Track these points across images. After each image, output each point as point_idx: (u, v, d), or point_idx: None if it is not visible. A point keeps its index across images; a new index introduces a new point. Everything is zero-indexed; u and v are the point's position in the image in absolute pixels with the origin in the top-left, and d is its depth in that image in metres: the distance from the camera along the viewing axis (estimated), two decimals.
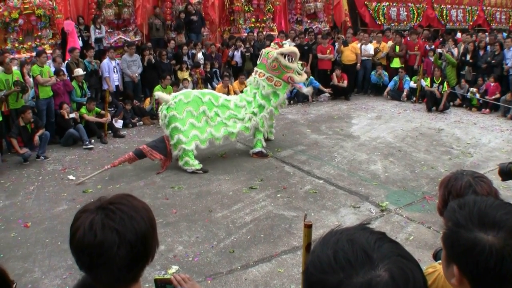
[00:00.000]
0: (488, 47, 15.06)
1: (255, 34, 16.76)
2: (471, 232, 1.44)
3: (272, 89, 9.61)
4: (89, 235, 1.50)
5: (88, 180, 8.53)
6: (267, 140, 10.19)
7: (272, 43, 10.30)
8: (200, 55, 15.22)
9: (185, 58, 14.77)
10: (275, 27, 18.19)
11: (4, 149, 10.32)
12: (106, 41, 14.41)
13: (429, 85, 14.42)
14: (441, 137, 11.20)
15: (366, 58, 16.33)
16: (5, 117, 10.25)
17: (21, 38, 12.68)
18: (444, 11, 23.57)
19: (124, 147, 10.72)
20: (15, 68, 10.59)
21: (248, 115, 9.56)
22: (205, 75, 14.87)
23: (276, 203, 7.45)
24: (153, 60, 13.79)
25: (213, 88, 13.50)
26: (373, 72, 16.35)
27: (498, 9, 26.40)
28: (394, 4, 21.88)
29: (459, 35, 19.11)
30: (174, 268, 5.57)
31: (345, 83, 15.53)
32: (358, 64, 16.19)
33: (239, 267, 5.63)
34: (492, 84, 13.89)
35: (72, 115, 11.07)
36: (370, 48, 16.42)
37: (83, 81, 12.08)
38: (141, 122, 12.84)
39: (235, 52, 15.80)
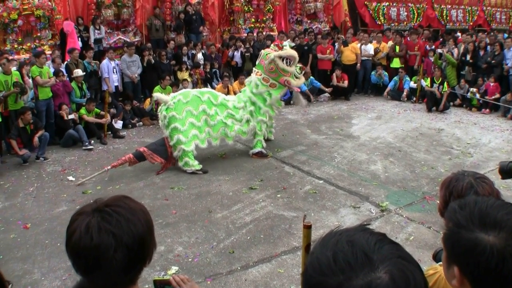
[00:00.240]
0: (488, 47, 15.06)
1: (255, 34, 16.77)
2: (472, 232, 1.43)
3: (266, 89, 9.59)
4: (85, 238, 1.49)
5: (88, 181, 8.52)
6: (267, 140, 10.17)
7: (272, 45, 10.28)
8: (200, 56, 15.21)
9: (185, 59, 14.76)
10: (275, 27, 18.19)
11: (3, 150, 10.29)
12: (106, 41, 14.41)
13: (429, 85, 14.41)
14: (441, 137, 11.19)
15: (366, 58, 16.33)
16: (4, 118, 10.24)
17: (20, 39, 12.68)
18: (444, 11, 23.56)
19: (124, 148, 10.70)
20: (14, 69, 10.57)
21: (246, 116, 9.54)
22: (205, 75, 14.85)
23: (276, 204, 7.43)
24: (153, 61, 13.78)
25: (213, 89, 13.49)
26: (373, 72, 16.34)
27: (498, 9, 26.38)
28: (394, 4, 21.87)
29: (459, 35, 19.10)
30: (174, 269, 5.56)
31: (345, 83, 15.52)
32: (358, 64, 16.19)
33: (239, 268, 5.62)
34: (492, 84, 13.89)
35: (71, 116, 11.05)
36: (370, 48, 16.41)
37: (83, 82, 12.07)
38: (141, 123, 12.83)
39: (235, 53, 15.80)
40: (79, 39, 13.49)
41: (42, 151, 9.89)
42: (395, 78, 15.81)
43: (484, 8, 25.50)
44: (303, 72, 10.68)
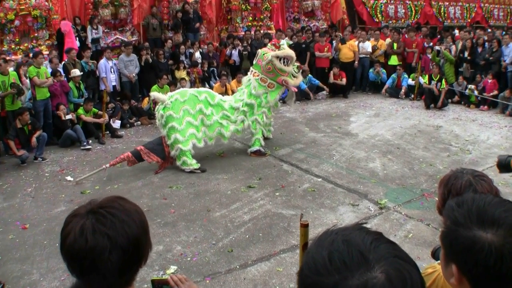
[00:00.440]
0: (486, 44, 15.05)
1: (253, 32, 16.78)
2: (470, 230, 1.42)
3: (264, 90, 9.58)
4: (80, 241, 1.48)
5: (86, 181, 8.51)
6: (265, 138, 10.17)
7: (269, 44, 10.26)
8: (197, 54, 15.19)
9: (183, 58, 14.74)
10: (273, 26, 18.18)
11: (1, 151, 10.29)
12: (103, 41, 14.40)
13: (427, 82, 14.42)
14: (440, 134, 11.19)
15: (364, 55, 16.34)
16: (1, 119, 10.23)
17: (17, 40, 12.67)
18: (442, 8, 23.56)
19: (122, 147, 10.69)
20: (11, 70, 10.55)
21: (240, 117, 9.53)
22: (203, 74, 14.84)
23: (274, 202, 7.43)
24: (150, 60, 13.78)
25: (211, 87, 13.49)
26: (371, 70, 16.34)
27: (496, 5, 26.38)
28: (392, 2, 21.88)
29: (456, 32, 19.11)
30: (172, 268, 5.55)
31: (343, 81, 15.52)
32: (356, 62, 16.19)
33: (237, 267, 5.61)
34: (490, 81, 13.90)
35: (68, 116, 11.04)
36: (368, 46, 16.42)
37: (80, 81, 12.04)
38: (139, 122, 12.82)
39: (233, 51, 15.79)
40: (77, 38, 13.48)
41: (40, 151, 9.89)
42: (393, 75, 15.82)
43: (482, 5, 25.50)
44: (301, 70, 10.67)
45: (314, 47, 15.88)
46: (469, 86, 14.40)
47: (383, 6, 21.48)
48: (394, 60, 16.36)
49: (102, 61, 13.03)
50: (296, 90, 10.27)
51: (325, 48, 15.82)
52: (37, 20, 12.80)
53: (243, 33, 16.84)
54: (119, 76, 13.49)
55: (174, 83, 13.10)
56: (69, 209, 7.17)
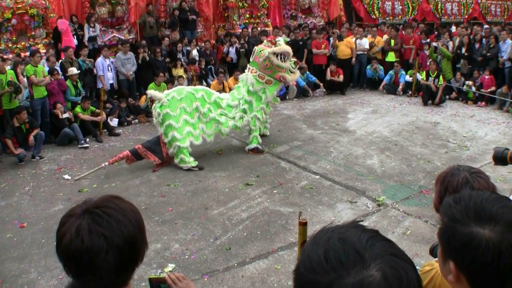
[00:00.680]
0: (484, 40, 15.05)
1: (250, 30, 16.75)
2: (468, 226, 1.41)
3: (262, 86, 9.58)
4: (76, 241, 1.47)
5: (84, 179, 8.51)
6: (262, 136, 10.17)
7: (265, 41, 10.24)
8: (195, 52, 15.18)
9: (180, 55, 14.73)
10: (270, 23, 18.16)
11: None
12: (100, 39, 14.37)
13: (424, 78, 14.42)
14: (437, 131, 11.19)
15: (361, 52, 16.32)
16: None
17: (14, 38, 12.64)
18: (439, 5, 23.53)
19: (119, 145, 10.68)
20: (8, 68, 10.53)
21: (238, 114, 9.53)
22: (200, 72, 14.82)
23: (272, 199, 7.43)
24: (148, 58, 13.75)
25: (208, 85, 13.48)
26: (368, 67, 16.32)
27: (493, 1, 26.35)
28: None
29: (454, 28, 19.10)
30: (170, 266, 5.55)
31: (340, 78, 15.50)
32: (354, 59, 16.17)
33: (235, 264, 5.61)
34: (487, 77, 13.89)
35: (65, 115, 11.01)
36: (365, 43, 16.39)
37: (78, 80, 12.03)
38: (136, 120, 12.80)
39: (230, 49, 15.76)
40: (74, 37, 13.45)
41: (37, 150, 9.87)
42: (391, 72, 15.81)
43: (479, 1, 25.47)
44: (298, 66, 10.67)
45: (311, 44, 15.85)
46: (467, 82, 14.40)
47: (380, 3, 21.43)
48: (391, 57, 16.33)
49: (99, 59, 13.00)
50: (295, 83, 10.25)
51: (322, 45, 15.80)
52: (34, 19, 12.77)
53: (240, 30, 16.80)
54: (117, 74, 13.47)
55: (171, 81, 13.08)
56: (67, 208, 7.13)
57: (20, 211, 7.32)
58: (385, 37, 16.73)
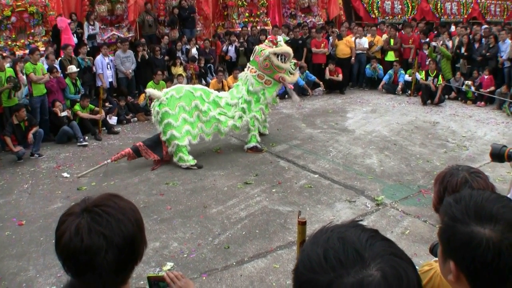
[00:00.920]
0: (483, 39, 15.05)
1: (249, 28, 16.73)
2: (468, 226, 1.41)
3: (262, 86, 9.57)
4: (75, 240, 1.46)
5: (83, 177, 8.50)
6: (261, 134, 10.16)
7: (266, 40, 10.23)
8: (194, 51, 15.16)
9: (179, 54, 14.71)
10: (269, 22, 18.12)
11: None
12: (100, 37, 14.35)
13: (424, 78, 14.43)
14: (437, 130, 11.19)
15: (360, 51, 16.31)
16: None
17: (14, 36, 12.61)
18: (439, 4, 23.51)
19: (118, 143, 10.67)
20: (7, 66, 10.52)
21: (238, 113, 9.52)
22: (199, 70, 14.81)
23: (271, 198, 7.43)
24: (147, 56, 13.74)
25: (208, 84, 13.47)
26: (367, 66, 16.32)
27: (493, 1, 26.33)
28: None
29: (453, 28, 19.10)
30: (169, 265, 5.55)
31: (340, 77, 15.50)
32: (353, 58, 16.16)
33: (234, 263, 5.61)
34: (487, 76, 13.89)
35: (64, 113, 11.00)
36: (364, 42, 16.39)
37: (77, 78, 12.01)
38: (135, 119, 12.79)
39: (229, 47, 15.75)
40: (74, 35, 13.43)
41: (36, 147, 9.86)
42: (390, 71, 15.81)
43: (479, 0, 25.46)
44: (298, 67, 10.66)
45: (311, 43, 15.84)
46: (466, 82, 14.40)
47: (379, 2, 21.40)
48: (390, 56, 16.34)
49: (99, 58, 12.99)
50: (293, 87, 10.24)
51: (322, 44, 15.80)
52: (34, 17, 12.74)
53: (240, 29, 16.79)
54: (116, 72, 13.46)
55: (170, 79, 13.08)
56: (66, 206, 7.16)
57: (18, 209, 7.31)
58: (385, 36, 16.74)
